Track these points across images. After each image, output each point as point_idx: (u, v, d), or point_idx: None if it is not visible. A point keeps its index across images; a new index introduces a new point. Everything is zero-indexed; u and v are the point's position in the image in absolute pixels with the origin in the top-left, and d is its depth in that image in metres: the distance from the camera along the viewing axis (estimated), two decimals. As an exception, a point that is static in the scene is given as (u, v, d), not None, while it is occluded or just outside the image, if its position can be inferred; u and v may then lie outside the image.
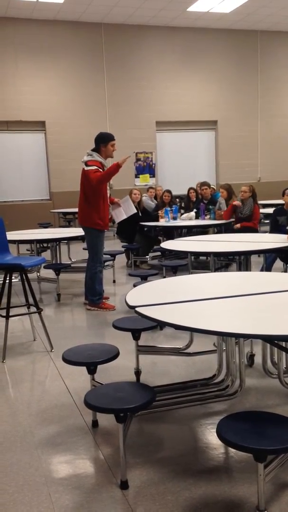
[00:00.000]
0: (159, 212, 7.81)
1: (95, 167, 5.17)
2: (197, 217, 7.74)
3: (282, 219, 6.42)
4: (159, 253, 7.90)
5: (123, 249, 7.54)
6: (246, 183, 7.61)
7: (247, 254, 5.07)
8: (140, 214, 7.66)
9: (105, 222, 5.33)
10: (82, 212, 5.38)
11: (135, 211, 6.15)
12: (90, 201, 5.25)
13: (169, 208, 7.70)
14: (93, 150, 5.29)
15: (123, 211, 5.84)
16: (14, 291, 5.56)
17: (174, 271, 5.90)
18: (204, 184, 8.45)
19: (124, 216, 5.86)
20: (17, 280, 4.65)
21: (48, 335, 4.27)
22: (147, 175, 13.62)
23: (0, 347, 4.17)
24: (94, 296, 5.44)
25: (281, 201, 6.75)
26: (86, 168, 5.21)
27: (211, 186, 8.86)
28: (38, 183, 12.87)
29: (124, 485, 2.31)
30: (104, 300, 5.54)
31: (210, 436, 2.74)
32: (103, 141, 5.26)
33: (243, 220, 6.98)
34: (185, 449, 2.63)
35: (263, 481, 2.03)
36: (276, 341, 2.69)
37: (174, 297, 2.79)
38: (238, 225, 6.87)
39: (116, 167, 5.08)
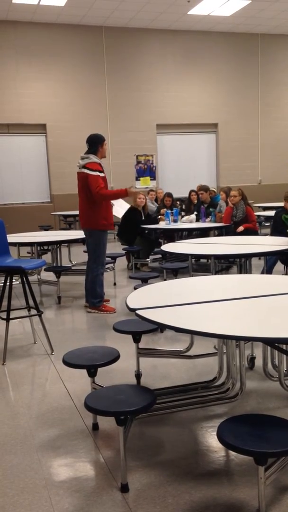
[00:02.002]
0: (160, 216, 7.82)
1: (97, 173, 5.14)
2: (197, 220, 7.74)
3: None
4: (159, 256, 7.90)
5: (123, 252, 7.54)
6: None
7: (248, 256, 5.07)
8: (143, 218, 7.67)
9: (109, 222, 5.31)
10: (84, 215, 5.32)
11: (128, 206, 6.16)
12: (93, 202, 5.21)
13: (169, 211, 7.70)
14: (87, 152, 5.27)
15: (119, 209, 5.84)
16: (15, 293, 5.56)
17: (175, 273, 5.90)
18: (201, 188, 8.41)
19: (122, 212, 5.85)
20: (18, 282, 4.66)
21: (49, 338, 4.27)
22: (148, 177, 13.62)
23: (1, 350, 4.17)
24: (95, 298, 5.43)
25: (281, 204, 6.76)
26: (91, 174, 5.12)
27: (211, 188, 8.86)
28: (39, 186, 12.89)
29: (124, 488, 2.31)
30: (104, 303, 5.54)
31: (211, 439, 2.74)
32: (99, 141, 5.26)
33: (239, 223, 6.98)
34: (186, 452, 2.63)
35: (264, 484, 2.03)
36: (276, 344, 2.69)
37: (174, 300, 2.79)
38: (241, 228, 6.85)
39: (125, 194, 5.19)
